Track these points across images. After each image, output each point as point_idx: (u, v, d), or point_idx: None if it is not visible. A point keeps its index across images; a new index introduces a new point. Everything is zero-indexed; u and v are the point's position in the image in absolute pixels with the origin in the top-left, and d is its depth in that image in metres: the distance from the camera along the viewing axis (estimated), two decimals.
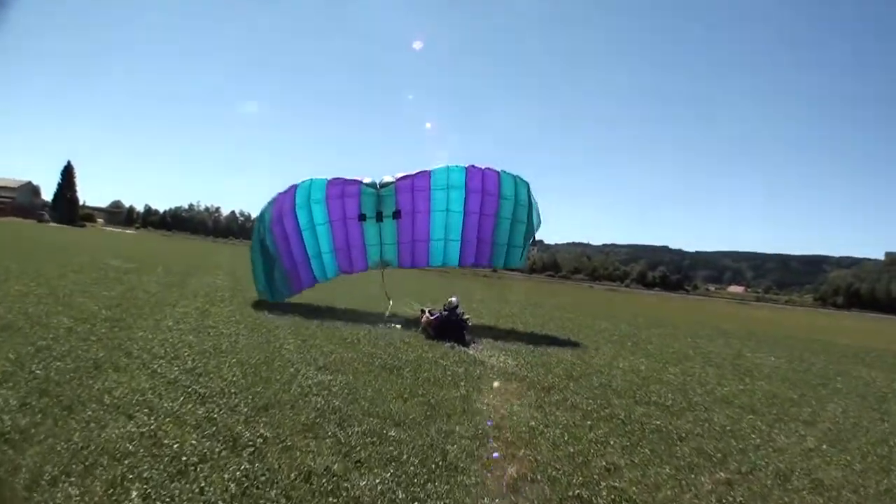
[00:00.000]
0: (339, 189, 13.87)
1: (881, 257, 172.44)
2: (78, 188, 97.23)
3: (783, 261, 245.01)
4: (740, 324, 31.53)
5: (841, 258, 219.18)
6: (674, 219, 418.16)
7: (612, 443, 5.85)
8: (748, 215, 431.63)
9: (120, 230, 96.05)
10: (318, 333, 10.51)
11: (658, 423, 6.85)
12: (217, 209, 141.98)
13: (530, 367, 9.65)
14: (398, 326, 12.69)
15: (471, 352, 10.63)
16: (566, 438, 5.79)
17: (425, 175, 13.91)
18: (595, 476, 4.90)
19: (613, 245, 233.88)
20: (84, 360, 6.44)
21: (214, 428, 4.77)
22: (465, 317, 12.62)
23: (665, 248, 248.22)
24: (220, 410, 5.23)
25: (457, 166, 14.06)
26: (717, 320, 33.71)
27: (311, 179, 13.89)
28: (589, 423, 6.49)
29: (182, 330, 9.08)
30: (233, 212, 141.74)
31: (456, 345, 11.12)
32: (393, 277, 16.32)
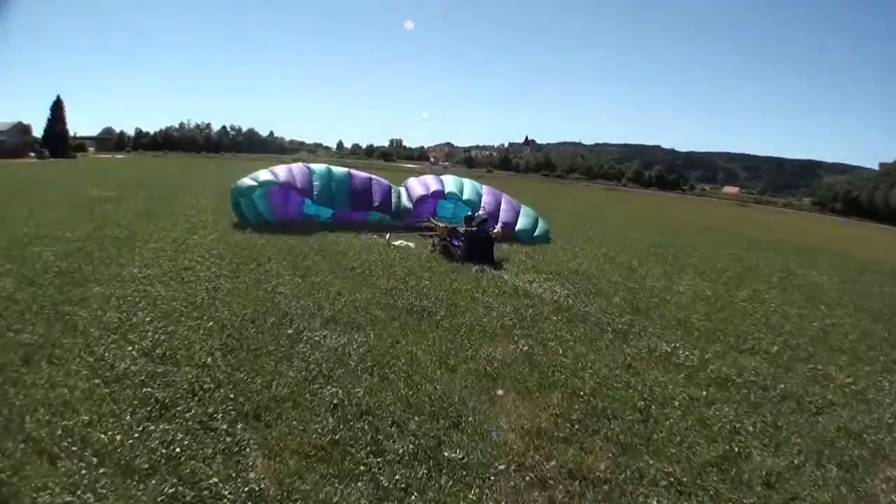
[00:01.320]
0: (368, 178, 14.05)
1: (875, 167, 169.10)
2: (67, 121, 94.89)
3: (777, 163, 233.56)
4: (762, 231, 29.68)
5: (834, 164, 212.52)
6: (665, 118, 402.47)
7: (749, 428, 4.15)
8: (741, 116, 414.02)
9: (110, 156, 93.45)
10: (321, 264, 8.63)
11: (782, 386, 5.14)
12: (208, 125, 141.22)
13: (586, 298, 7.88)
14: (411, 245, 10.86)
15: (506, 276, 8.84)
16: (690, 424, 4.07)
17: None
18: (762, 497, 3.25)
19: (605, 144, 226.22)
20: (14, 350, 4.49)
21: (176, 478, 2.94)
22: (494, 232, 10.74)
23: (657, 148, 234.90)
24: (187, 435, 3.37)
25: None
26: (737, 225, 31.91)
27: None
28: (703, 393, 4.76)
29: (149, 277, 7.13)
30: (223, 126, 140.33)
31: (486, 268, 9.32)
32: None
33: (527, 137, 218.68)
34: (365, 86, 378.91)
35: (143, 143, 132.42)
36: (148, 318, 5.47)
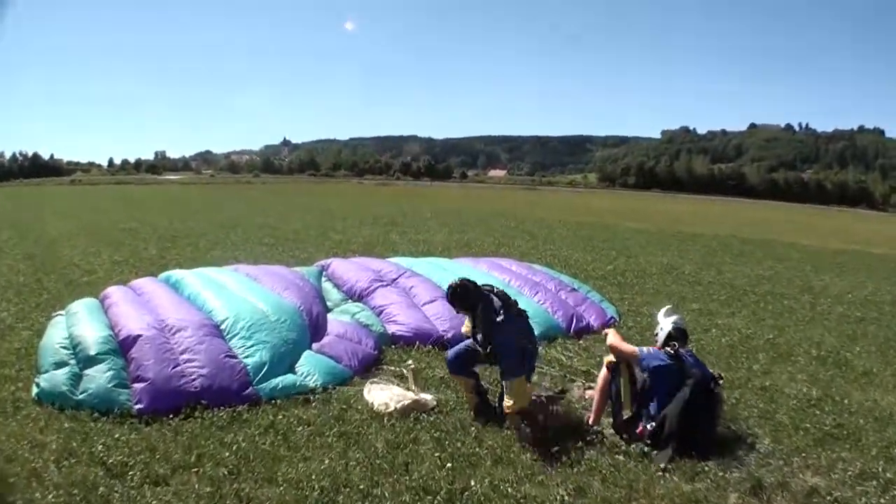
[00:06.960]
0: None
1: (656, 136, 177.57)
2: None
3: (541, 142, 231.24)
4: (658, 223, 26.75)
5: (608, 136, 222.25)
6: (416, 108, 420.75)
7: None
8: (500, 99, 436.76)
9: None
10: None
11: None
12: (1, 153, 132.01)
13: None
14: (428, 398, 4.63)
15: None
16: None
17: None
18: None
19: (360, 138, 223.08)
20: None
21: None
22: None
23: (413, 137, 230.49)
24: None
25: None
26: (636, 218, 28.94)
27: None
28: None
29: None
30: (14, 153, 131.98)
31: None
32: None
33: (284, 138, 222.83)
34: (126, 98, 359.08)
35: None
36: None
